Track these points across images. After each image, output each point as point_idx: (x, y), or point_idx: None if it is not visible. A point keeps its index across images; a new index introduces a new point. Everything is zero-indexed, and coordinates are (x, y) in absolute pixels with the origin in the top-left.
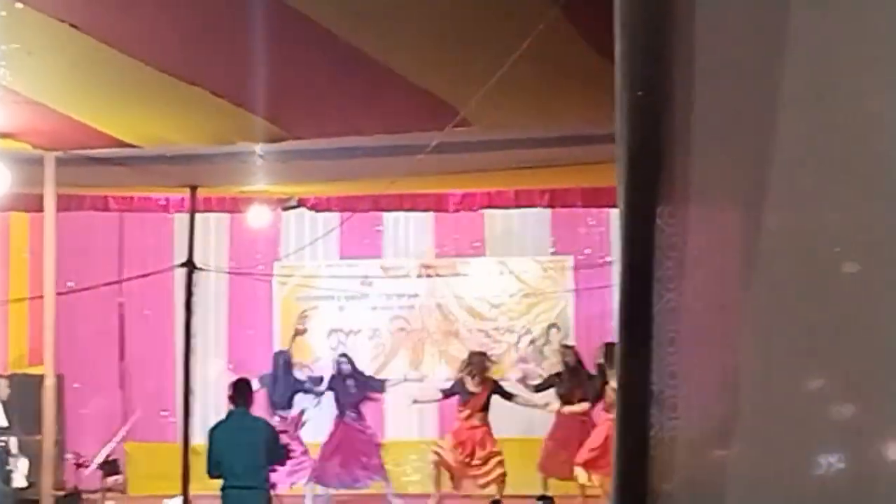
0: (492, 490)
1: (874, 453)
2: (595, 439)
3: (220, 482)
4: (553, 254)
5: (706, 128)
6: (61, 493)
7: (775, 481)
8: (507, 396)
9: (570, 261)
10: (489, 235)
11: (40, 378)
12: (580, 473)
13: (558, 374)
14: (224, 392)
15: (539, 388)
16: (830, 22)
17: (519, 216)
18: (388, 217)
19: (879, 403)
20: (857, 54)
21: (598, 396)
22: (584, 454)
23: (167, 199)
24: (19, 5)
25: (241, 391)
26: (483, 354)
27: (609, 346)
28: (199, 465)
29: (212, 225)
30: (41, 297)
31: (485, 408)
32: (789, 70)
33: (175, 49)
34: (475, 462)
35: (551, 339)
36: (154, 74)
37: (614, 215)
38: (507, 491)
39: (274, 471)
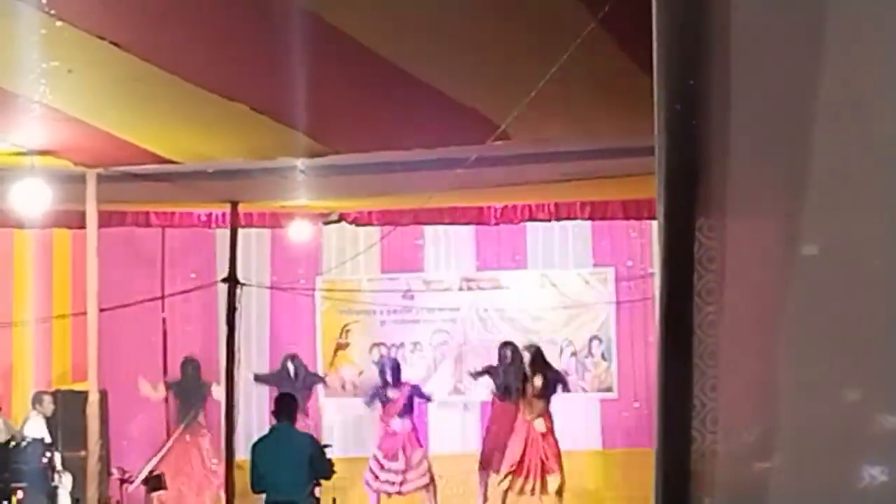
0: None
1: None
2: (515, 450)
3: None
4: (594, 266)
5: (744, 141)
6: None
7: (817, 493)
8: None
9: (611, 273)
10: (530, 248)
11: (84, 394)
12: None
13: (493, 367)
14: (266, 408)
15: (476, 375)
16: (865, 36)
17: (560, 228)
18: (429, 230)
19: None
20: (890, 66)
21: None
22: (507, 465)
23: (209, 215)
24: (59, 23)
25: (284, 406)
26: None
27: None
28: (242, 480)
29: (253, 240)
30: (84, 313)
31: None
32: (826, 84)
33: (215, 65)
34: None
35: (593, 351)
36: (194, 90)
37: (656, 227)
38: None
39: (318, 485)
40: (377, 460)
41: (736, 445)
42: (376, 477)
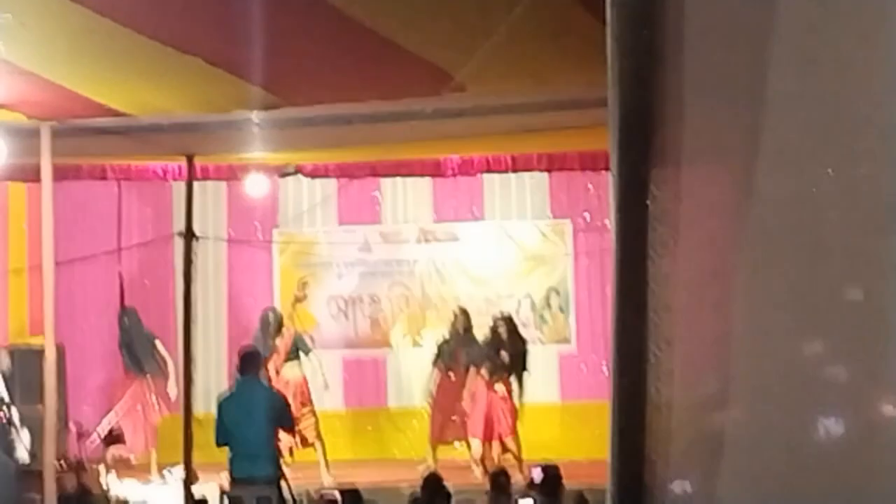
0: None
1: (872, 415)
2: (479, 410)
3: (221, 452)
4: (552, 218)
5: (698, 93)
6: (64, 463)
7: (773, 444)
8: None
9: (568, 225)
10: (487, 200)
11: (41, 349)
12: (475, 445)
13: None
14: (225, 361)
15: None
16: None
17: (517, 180)
18: (386, 183)
19: (876, 365)
20: (846, 19)
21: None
22: (476, 426)
23: (165, 168)
24: None
25: (248, 360)
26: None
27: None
28: (200, 434)
29: (209, 193)
30: (40, 266)
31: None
32: (779, 34)
33: (170, 18)
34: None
35: (551, 303)
36: (149, 44)
37: None
38: None
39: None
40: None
41: (691, 398)
42: None
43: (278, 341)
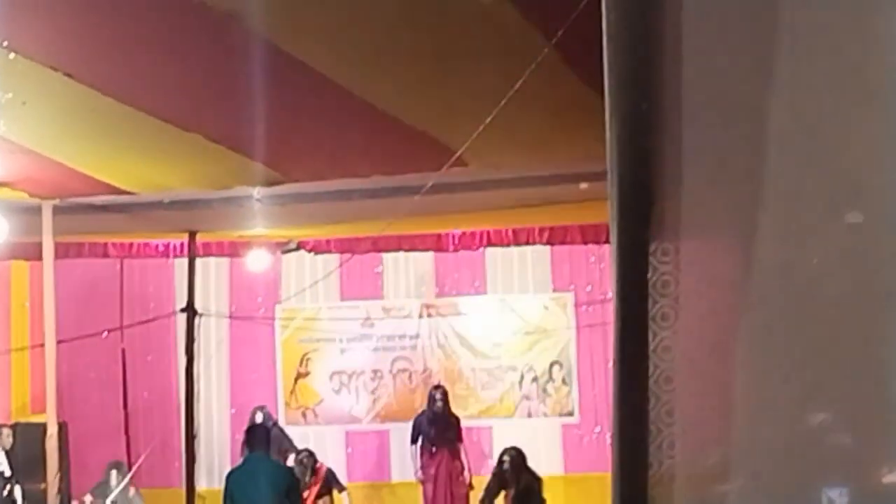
0: None
1: (876, 487)
2: None
3: None
4: (554, 290)
5: (698, 165)
6: None
7: None
8: None
9: (570, 297)
10: (490, 274)
11: (44, 426)
12: None
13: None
14: (228, 437)
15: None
16: (816, 60)
17: (519, 254)
18: (388, 258)
19: (879, 436)
20: (842, 92)
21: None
22: None
23: (167, 245)
24: (12, 55)
25: (258, 436)
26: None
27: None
28: None
29: (212, 269)
30: (42, 345)
31: None
32: (777, 106)
33: (170, 96)
34: None
35: (554, 376)
36: (149, 121)
37: None
38: None
39: None
40: None
41: (694, 469)
42: None
43: (311, 479)
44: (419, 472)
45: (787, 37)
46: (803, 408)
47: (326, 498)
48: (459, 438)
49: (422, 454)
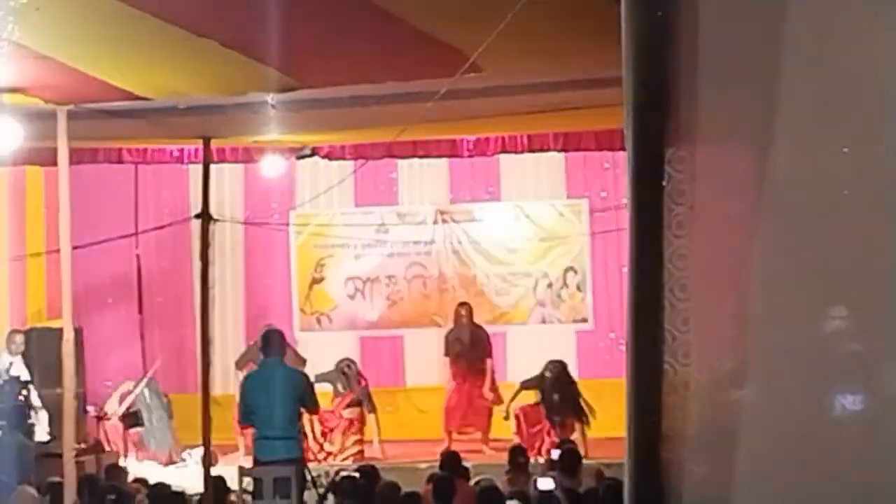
0: None
1: (889, 393)
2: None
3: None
4: (568, 197)
5: (712, 72)
6: (83, 446)
7: (791, 422)
8: None
9: (585, 204)
10: (504, 180)
11: (59, 331)
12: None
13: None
14: (243, 343)
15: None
16: None
17: (533, 160)
18: (403, 164)
19: (894, 343)
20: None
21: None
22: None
23: (181, 151)
24: None
25: (273, 341)
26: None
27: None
28: (219, 414)
29: (226, 175)
30: (58, 251)
31: None
32: (793, 12)
33: (184, 1)
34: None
35: (569, 282)
36: (163, 27)
37: None
38: None
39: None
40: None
41: (708, 377)
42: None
43: (346, 388)
44: (450, 383)
45: None
46: (818, 314)
47: (357, 409)
48: (488, 354)
49: (451, 368)
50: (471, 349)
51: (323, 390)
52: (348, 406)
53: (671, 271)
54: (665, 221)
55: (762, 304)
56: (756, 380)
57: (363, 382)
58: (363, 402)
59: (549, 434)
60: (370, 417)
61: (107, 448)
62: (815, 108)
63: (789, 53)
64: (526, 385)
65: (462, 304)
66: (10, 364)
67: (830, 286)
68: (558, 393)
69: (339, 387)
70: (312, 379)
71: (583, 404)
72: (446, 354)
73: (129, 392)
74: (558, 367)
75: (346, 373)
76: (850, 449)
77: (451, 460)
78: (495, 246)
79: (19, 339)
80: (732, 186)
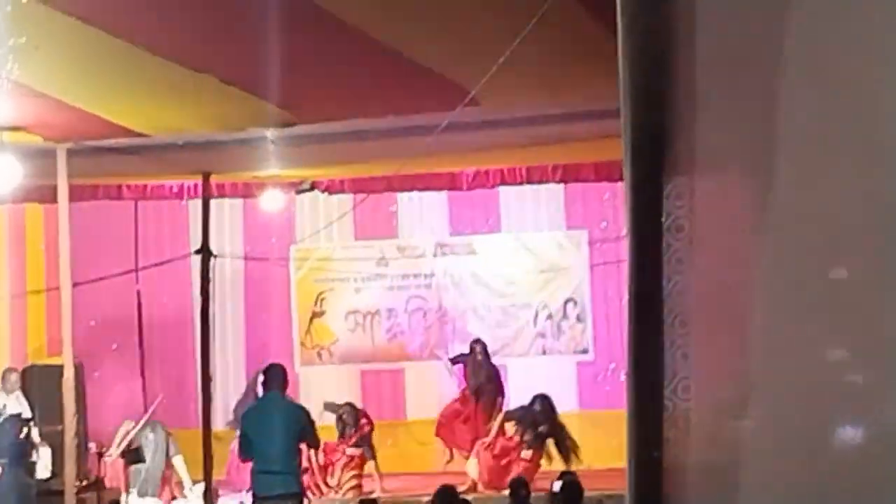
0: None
1: (890, 419)
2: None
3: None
4: (568, 228)
5: (710, 108)
6: (84, 483)
7: (793, 452)
8: None
9: (584, 235)
10: (504, 212)
11: (60, 368)
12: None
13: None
14: (243, 378)
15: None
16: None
17: (532, 192)
18: (402, 197)
19: (893, 369)
20: (857, 31)
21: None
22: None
23: (181, 186)
24: (25, 0)
25: (274, 376)
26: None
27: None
28: (221, 450)
29: (226, 211)
30: (57, 288)
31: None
32: (791, 47)
33: (182, 37)
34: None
35: (569, 313)
36: (162, 63)
37: None
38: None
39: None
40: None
41: (709, 410)
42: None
43: (348, 432)
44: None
45: None
46: (819, 346)
47: (359, 449)
48: (501, 392)
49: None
50: (486, 385)
51: (326, 424)
52: (351, 445)
53: (671, 307)
54: (664, 257)
55: (763, 337)
56: (757, 414)
57: (366, 428)
58: (363, 446)
59: (516, 465)
60: (371, 463)
61: (107, 485)
62: (813, 140)
63: (787, 87)
64: (509, 416)
65: (476, 340)
66: (4, 405)
67: (831, 318)
68: (545, 425)
69: (340, 432)
70: (322, 408)
71: (568, 441)
72: (462, 391)
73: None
74: (545, 402)
75: (344, 419)
76: (852, 480)
77: (446, 494)
78: (495, 278)
79: (14, 377)
80: (731, 220)
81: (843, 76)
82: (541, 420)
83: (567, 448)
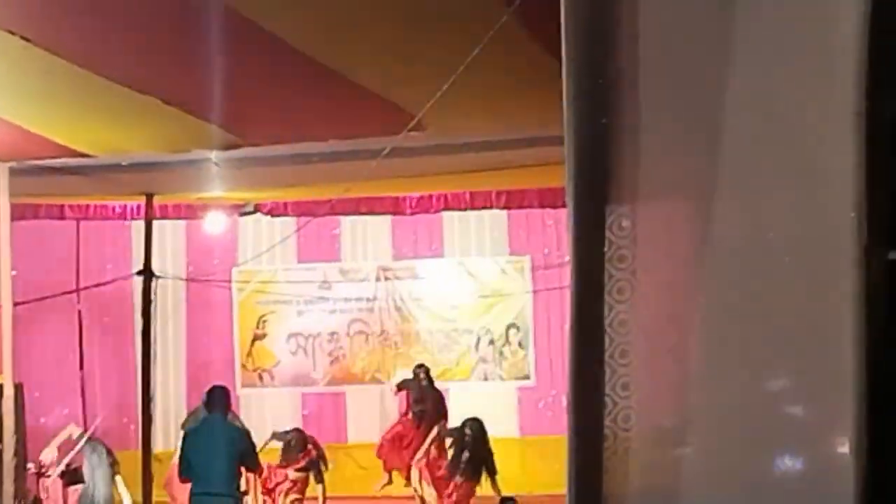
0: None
1: (828, 452)
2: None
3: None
4: (511, 254)
5: (654, 134)
6: (23, 502)
7: (730, 482)
8: None
9: (527, 261)
10: (447, 237)
11: (0, 388)
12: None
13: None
14: (184, 399)
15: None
16: (772, 34)
17: (476, 217)
18: (346, 221)
19: (833, 402)
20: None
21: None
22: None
23: (123, 207)
24: None
25: (217, 398)
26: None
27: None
28: (160, 471)
29: (168, 232)
30: None
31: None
32: (735, 75)
33: (126, 58)
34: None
35: (511, 339)
36: (105, 84)
37: None
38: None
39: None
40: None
41: (649, 442)
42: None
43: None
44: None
45: (743, 16)
46: (758, 377)
47: (304, 474)
48: (444, 416)
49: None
50: (430, 409)
51: (273, 447)
52: (297, 470)
53: (612, 337)
54: (606, 288)
55: (703, 367)
56: (696, 444)
57: (313, 452)
58: (311, 470)
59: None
60: (318, 487)
61: None
62: (755, 172)
63: (730, 116)
64: (442, 435)
65: (419, 365)
66: None
67: (772, 349)
68: (470, 451)
69: (283, 456)
70: (265, 433)
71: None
72: (405, 415)
73: (68, 441)
74: (476, 425)
75: (291, 445)
76: None
77: None
78: (438, 302)
79: None
80: (674, 250)
81: (785, 104)
82: (468, 444)
83: (491, 473)
